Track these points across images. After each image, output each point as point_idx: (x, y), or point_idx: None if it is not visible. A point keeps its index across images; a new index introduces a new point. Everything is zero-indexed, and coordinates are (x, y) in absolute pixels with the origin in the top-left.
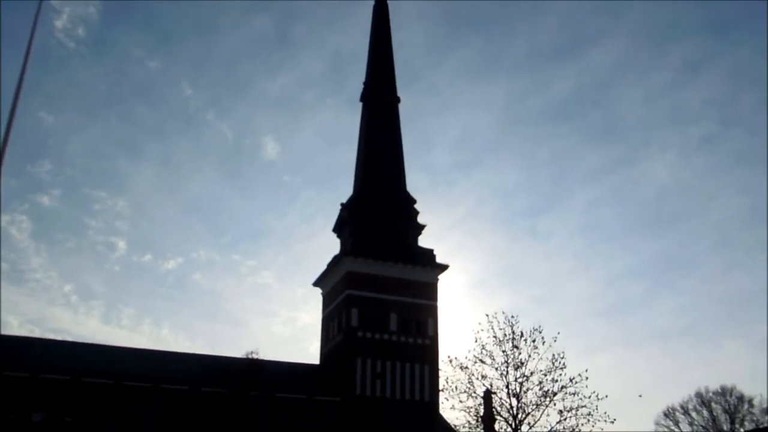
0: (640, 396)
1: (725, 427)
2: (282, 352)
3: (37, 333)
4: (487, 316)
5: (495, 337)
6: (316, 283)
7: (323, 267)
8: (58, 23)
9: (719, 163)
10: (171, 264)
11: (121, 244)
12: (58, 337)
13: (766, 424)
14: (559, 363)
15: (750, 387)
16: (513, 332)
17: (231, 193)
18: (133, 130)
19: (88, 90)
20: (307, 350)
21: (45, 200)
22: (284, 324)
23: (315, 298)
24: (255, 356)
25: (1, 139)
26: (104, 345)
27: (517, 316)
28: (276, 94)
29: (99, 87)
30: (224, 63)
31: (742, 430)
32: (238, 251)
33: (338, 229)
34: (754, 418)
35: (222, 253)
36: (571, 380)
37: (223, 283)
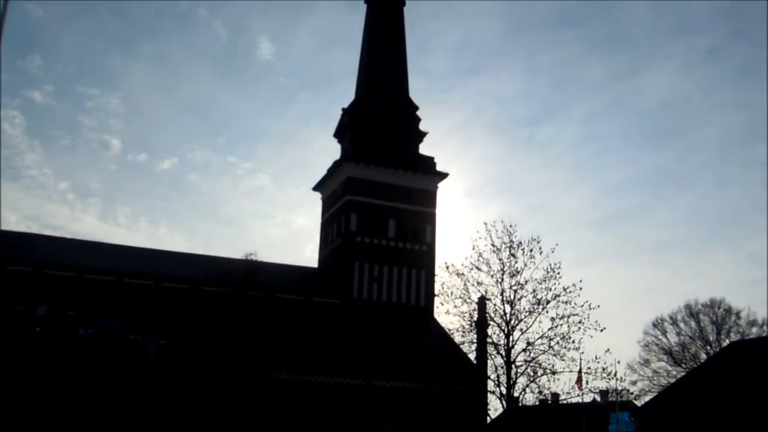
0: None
1: (711, 338)
2: (278, 254)
3: (34, 229)
4: (486, 224)
5: (493, 245)
6: (316, 188)
7: (320, 171)
8: None
9: (722, 76)
10: (166, 164)
11: (116, 143)
12: (56, 233)
13: (751, 336)
14: (555, 273)
15: (737, 300)
16: (511, 241)
17: (226, 93)
18: (125, 27)
19: None
20: (303, 253)
21: (37, 96)
22: (280, 226)
23: (311, 202)
24: (253, 258)
25: None
26: (105, 243)
27: (516, 225)
28: None
29: None
30: None
31: (727, 340)
32: (234, 153)
33: (339, 134)
34: (741, 330)
35: (217, 154)
36: (564, 289)
37: (219, 185)
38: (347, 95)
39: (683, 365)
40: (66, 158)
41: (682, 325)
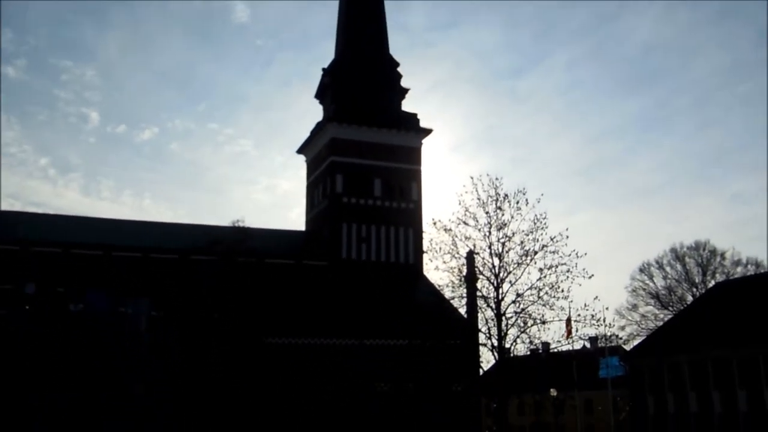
0: None
1: (697, 280)
2: (265, 219)
3: (17, 207)
4: (472, 178)
5: (479, 199)
6: (299, 151)
7: (303, 133)
8: None
9: (704, 17)
10: (147, 134)
11: (94, 115)
12: (39, 210)
13: (736, 276)
14: (541, 223)
15: (722, 241)
16: (497, 194)
17: (203, 59)
18: None
19: None
20: (288, 217)
21: (10, 71)
22: (265, 191)
23: (295, 165)
24: (241, 224)
25: None
26: (89, 217)
27: (502, 178)
28: None
29: None
30: None
31: (713, 281)
32: (215, 119)
33: (320, 95)
34: (726, 270)
35: (198, 121)
36: (551, 239)
37: (201, 153)
38: (327, 55)
39: (670, 308)
40: (44, 133)
41: (668, 268)
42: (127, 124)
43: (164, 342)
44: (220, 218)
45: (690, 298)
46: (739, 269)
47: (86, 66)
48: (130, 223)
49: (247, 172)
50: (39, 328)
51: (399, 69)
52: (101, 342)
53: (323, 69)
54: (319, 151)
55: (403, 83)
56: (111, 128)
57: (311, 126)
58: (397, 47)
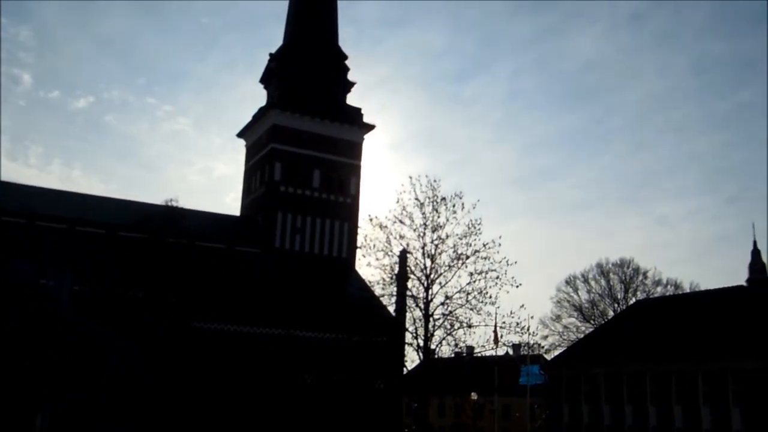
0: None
1: (620, 296)
2: (199, 201)
3: None
4: (411, 178)
5: (417, 199)
6: (240, 135)
7: (243, 117)
8: None
9: (643, 41)
10: (81, 103)
11: (26, 78)
12: None
13: (656, 295)
14: (476, 229)
15: (645, 260)
16: (435, 195)
17: (146, 32)
18: None
19: None
20: (223, 201)
21: None
22: (200, 173)
23: (233, 148)
24: (174, 204)
25: None
26: (15, 183)
27: (440, 180)
28: None
29: None
30: None
31: (634, 298)
32: (154, 94)
33: (266, 80)
34: (647, 289)
35: (136, 95)
36: (484, 245)
37: (137, 127)
38: (275, 40)
39: (592, 321)
40: None
41: (593, 282)
42: (61, 90)
43: (84, 318)
44: (153, 196)
45: (611, 313)
46: (659, 289)
47: (21, 26)
48: (58, 192)
49: (183, 151)
50: None
51: (347, 62)
52: (19, 313)
53: (270, 54)
54: (259, 136)
55: (350, 77)
56: (44, 93)
57: (253, 111)
58: (347, 40)
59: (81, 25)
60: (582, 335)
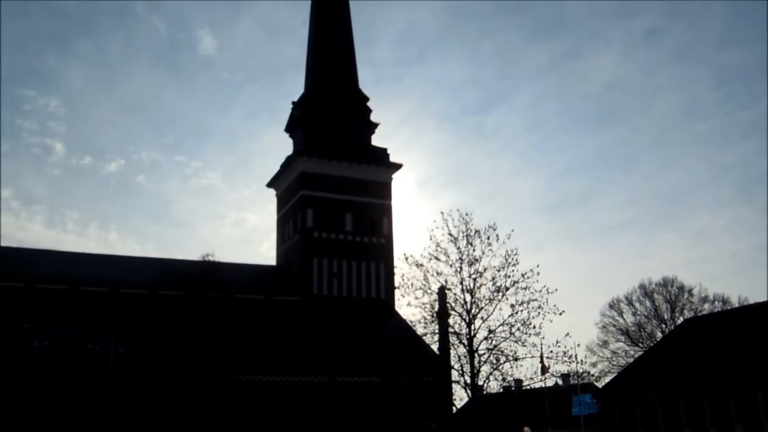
0: None
1: (666, 316)
2: (234, 253)
3: None
4: (442, 213)
5: (450, 234)
6: (269, 184)
7: (271, 166)
8: None
9: (661, 57)
10: (113, 166)
11: (59, 147)
12: (2, 244)
13: (704, 312)
14: (512, 259)
15: (689, 277)
16: (468, 229)
17: (170, 91)
18: (59, 24)
19: None
20: (258, 251)
21: None
22: (233, 225)
23: (264, 198)
24: (211, 258)
25: None
26: (54, 250)
27: (472, 213)
28: None
29: None
30: None
31: (681, 318)
32: (182, 152)
33: (290, 128)
34: (694, 306)
35: (165, 154)
36: (522, 275)
37: (168, 186)
38: (296, 88)
39: (640, 344)
40: (7, 165)
41: (637, 305)
42: (93, 155)
43: (132, 379)
44: (188, 252)
45: (659, 334)
46: (706, 305)
47: (50, 96)
48: (97, 256)
49: (215, 205)
50: (2, 366)
51: (368, 104)
52: (67, 379)
53: (293, 102)
54: (289, 184)
55: (373, 118)
56: (76, 160)
57: (280, 159)
58: (365, 82)
59: (106, 89)
60: (631, 359)
